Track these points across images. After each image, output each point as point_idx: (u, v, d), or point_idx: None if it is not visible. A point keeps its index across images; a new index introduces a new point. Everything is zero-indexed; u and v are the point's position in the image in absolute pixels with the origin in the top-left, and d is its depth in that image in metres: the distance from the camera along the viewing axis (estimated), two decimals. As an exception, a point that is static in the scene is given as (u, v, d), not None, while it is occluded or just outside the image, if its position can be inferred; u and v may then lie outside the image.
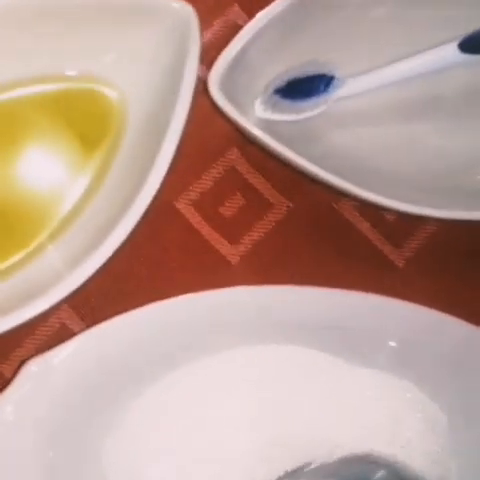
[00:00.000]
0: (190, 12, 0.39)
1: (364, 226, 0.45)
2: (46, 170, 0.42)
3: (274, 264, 0.44)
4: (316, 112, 0.42)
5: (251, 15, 0.44)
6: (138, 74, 0.41)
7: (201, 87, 0.41)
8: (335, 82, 0.41)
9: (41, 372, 0.38)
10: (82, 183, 0.42)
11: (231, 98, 0.40)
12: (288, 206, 0.45)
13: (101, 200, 0.42)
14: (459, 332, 0.40)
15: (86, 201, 0.42)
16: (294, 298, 0.40)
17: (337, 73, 0.41)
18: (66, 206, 0.42)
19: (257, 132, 0.39)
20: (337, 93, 0.41)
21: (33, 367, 0.38)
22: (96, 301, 0.42)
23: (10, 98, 0.42)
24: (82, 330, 0.41)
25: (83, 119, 0.42)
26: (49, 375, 0.38)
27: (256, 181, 0.45)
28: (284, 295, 0.40)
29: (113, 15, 0.40)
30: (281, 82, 0.41)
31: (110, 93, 0.42)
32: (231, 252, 0.44)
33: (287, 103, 0.41)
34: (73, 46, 0.41)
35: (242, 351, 0.41)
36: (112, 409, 0.39)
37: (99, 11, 0.40)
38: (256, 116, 0.42)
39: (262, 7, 0.42)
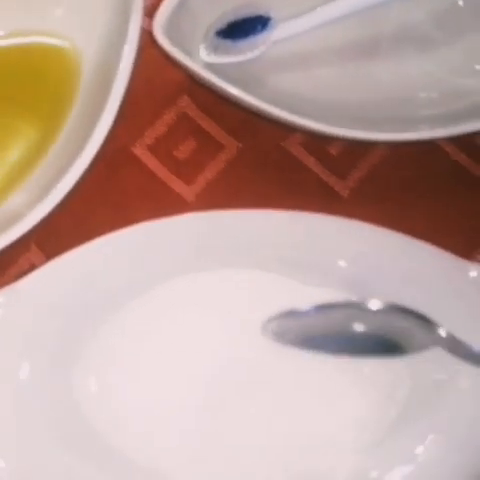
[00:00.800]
0: None
1: (310, 160, 0.48)
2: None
3: (227, 201, 0.46)
4: (257, 53, 0.44)
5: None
6: (88, 25, 0.44)
7: (148, 38, 0.44)
8: (271, 22, 0.44)
9: (9, 301, 0.40)
10: (40, 130, 0.45)
11: (177, 44, 0.43)
12: (238, 146, 0.48)
13: (58, 147, 0.45)
14: (402, 246, 0.42)
15: (44, 148, 0.45)
16: (248, 221, 0.43)
17: (273, 14, 0.44)
18: (25, 153, 0.45)
19: (205, 73, 0.42)
20: (275, 34, 0.44)
21: (1, 298, 0.40)
22: (62, 240, 0.44)
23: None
24: None
25: (41, 70, 0.45)
26: (17, 303, 0.40)
27: (207, 125, 0.48)
28: (237, 218, 0.42)
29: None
30: (221, 24, 0.43)
31: (63, 44, 0.45)
32: (187, 191, 0.47)
33: (228, 44, 0.44)
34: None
35: (198, 276, 0.43)
36: (81, 334, 0.42)
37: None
38: (202, 60, 0.45)
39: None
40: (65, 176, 0.42)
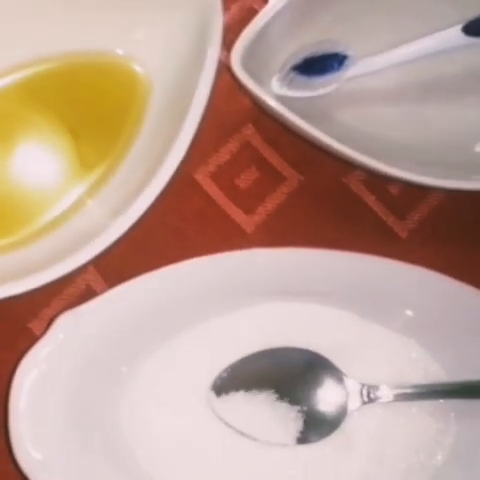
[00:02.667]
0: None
1: (370, 199, 0.48)
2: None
3: (286, 233, 0.47)
4: (329, 89, 0.44)
5: (267, -1, 0.47)
6: (164, 51, 0.44)
7: (219, 66, 0.44)
8: (348, 61, 0.43)
9: (71, 325, 0.40)
10: (107, 156, 0.45)
11: (251, 75, 0.42)
12: (299, 179, 0.47)
13: (125, 172, 0.45)
14: (470, 298, 0.42)
15: (111, 172, 0.45)
16: (306, 259, 0.43)
17: (350, 52, 0.44)
18: (92, 175, 0.45)
19: (275, 104, 0.42)
20: (349, 72, 0.44)
21: (64, 320, 0.40)
22: (120, 265, 0.45)
23: (36, 72, 0.45)
24: (105, 290, 0.44)
25: (112, 91, 0.45)
26: (78, 328, 0.41)
27: (270, 155, 0.48)
28: (298, 257, 0.42)
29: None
30: (298, 59, 0.43)
31: (137, 68, 0.45)
32: (246, 221, 0.47)
33: (303, 79, 0.43)
34: (103, 22, 0.44)
35: (258, 309, 0.43)
36: (130, 361, 0.42)
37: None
38: (273, 92, 0.45)
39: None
40: (133, 204, 0.42)
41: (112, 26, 0.44)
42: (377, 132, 0.46)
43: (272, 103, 0.42)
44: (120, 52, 0.45)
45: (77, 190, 0.45)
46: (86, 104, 0.45)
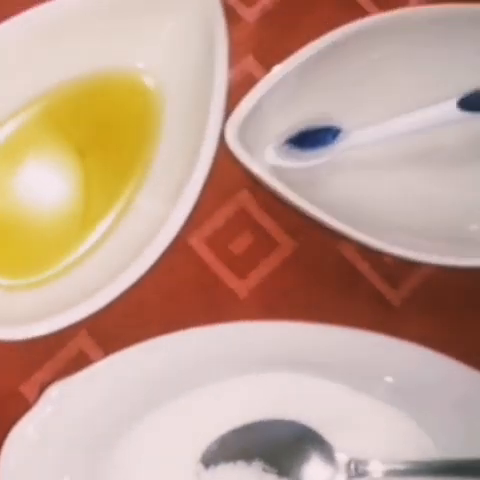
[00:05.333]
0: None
1: (364, 266, 0.48)
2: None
3: (279, 299, 0.47)
4: (323, 160, 0.45)
5: (265, 66, 0.48)
6: (174, 64, 0.45)
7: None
8: (342, 134, 0.44)
9: (60, 397, 0.40)
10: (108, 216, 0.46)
11: (245, 145, 0.43)
12: (293, 246, 0.48)
13: (126, 232, 0.46)
14: (455, 373, 0.43)
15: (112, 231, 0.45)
16: (297, 333, 0.43)
17: (344, 125, 0.44)
18: (95, 234, 0.45)
19: (268, 178, 0.42)
20: (343, 144, 0.44)
21: (53, 392, 0.40)
22: (112, 329, 0.45)
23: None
24: (98, 355, 0.45)
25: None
26: (67, 400, 0.41)
27: (264, 221, 0.48)
28: (289, 331, 0.42)
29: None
30: (293, 133, 0.44)
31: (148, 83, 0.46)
32: (239, 287, 0.47)
33: (297, 152, 0.44)
34: (110, 40, 0.45)
35: (248, 379, 0.43)
36: (120, 430, 0.43)
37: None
38: (266, 162, 0.45)
39: (275, 58, 0.45)
40: (128, 269, 0.42)
41: (120, 42, 0.45)
42: (370, 203, 0.46)
43: (264, 176, 0.42)
44: (131, 66, 0.45)
45: (78, 248, 0.46)
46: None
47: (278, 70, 0.43)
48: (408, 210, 0.46)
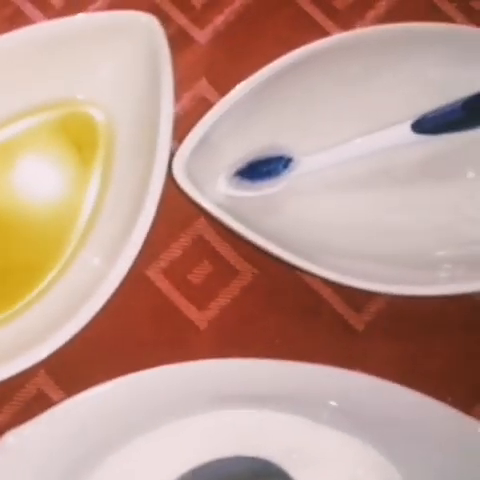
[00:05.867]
0: (155, 24, 0.42)
1: (326, 291, 0.47)
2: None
3: (239, 328, 0.46)
4: (276, 189, 0.44)
5: (218, 89, 0.47)
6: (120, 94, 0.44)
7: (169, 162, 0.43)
8: (293, 162, 0.43)
9: (16, 444, 0.40)
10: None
11: (195, 177, 0.42)
12: (253, 273, 0.47)
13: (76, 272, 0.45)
14: (405, 400, 0.42)
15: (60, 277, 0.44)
16: (261, 369, 0.42)
17: (295, 153, 0.43)
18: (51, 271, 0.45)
19: (216, 212, 0.41)
20: (295, 172, 0.43)
21: (10, 439, 0.40)
22: (70, 368, 0.44)
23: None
24: (57, 395, 0.44)
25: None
26: (24, 447, 0.40)
27: (222, 249, 0.47)
28: (252, 367, 0.42)
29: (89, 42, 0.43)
30: (242, 165, 0.43)
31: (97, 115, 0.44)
32: (199, 317, 0.46)
33: (248, 183, 0.43)
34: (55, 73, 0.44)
35: (207, 416, 0.43)
36: (79, 471, 0.42)
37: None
38: (219, 192, 0.44)
39: (229, 81, 0.44)
40: (84, 306, 0.42)
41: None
42: (325, 229, 0.45)
43: (212, 210, 0.41)
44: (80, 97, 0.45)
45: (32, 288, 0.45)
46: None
47: (227, 99, 0.42)
48: (365, 236, 0.45)
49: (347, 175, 0.45)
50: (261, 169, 0.43)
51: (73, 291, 0.44)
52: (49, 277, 0.44)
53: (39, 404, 0.44)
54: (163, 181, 0.42)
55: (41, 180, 0.45)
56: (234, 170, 0.43)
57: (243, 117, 0.43)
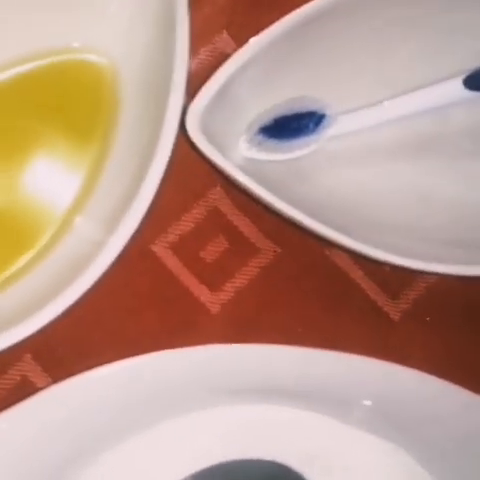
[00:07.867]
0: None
1: (357, 274, 0.42)
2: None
3: (257, 314, 0.41)
4: (305, 152, 0.39)
5: (240, 43, 0.42)
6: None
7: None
8: (326, 120, 0.38)
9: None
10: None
11: (212, 136, 0.37)
12: (275, 251, 0.42)
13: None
14: (452, 399, 0.38)
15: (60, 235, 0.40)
16: (281, 358, 0.38)
17: (328, 110, 0.38)
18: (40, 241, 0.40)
19: (238, 175, 0.36)
20: (328, 132, 0.38)
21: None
22: (60, 352, 0.40)
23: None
24: (44, 382, 0.40)
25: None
26: (8, 434, 0.36)
27: (241, 223, 0.42)
28: (260, 355, 0.37)
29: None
30: (267, 120, 0.38)
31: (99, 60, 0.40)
32: (211, 300, 0.41)
33: (274, 142, 0.38)
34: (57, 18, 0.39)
35: (219, 411, 0.38)
36: (71, 467, 0.38)
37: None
38: (239, 154, 0.39)
39: (251, 34, 0.39)
40: (76, 280, 0.36)
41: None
42: (362, 202, 0.40)
43: (233, 172, 0.36)
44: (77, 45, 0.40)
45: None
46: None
47: (250, 45, 0.37)
48: (407, 209, 0.40)
49: (390, 139, 0.40)
50: (289, 126, 0.38)
51: (65, 263, 0.39)
52: (38, 246, 0.40)
53: (23, 393, 0.38)
54: (174, 139, 0.37)
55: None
56: (257, 127, 0.38)
57: (267, 68, 0.38)
